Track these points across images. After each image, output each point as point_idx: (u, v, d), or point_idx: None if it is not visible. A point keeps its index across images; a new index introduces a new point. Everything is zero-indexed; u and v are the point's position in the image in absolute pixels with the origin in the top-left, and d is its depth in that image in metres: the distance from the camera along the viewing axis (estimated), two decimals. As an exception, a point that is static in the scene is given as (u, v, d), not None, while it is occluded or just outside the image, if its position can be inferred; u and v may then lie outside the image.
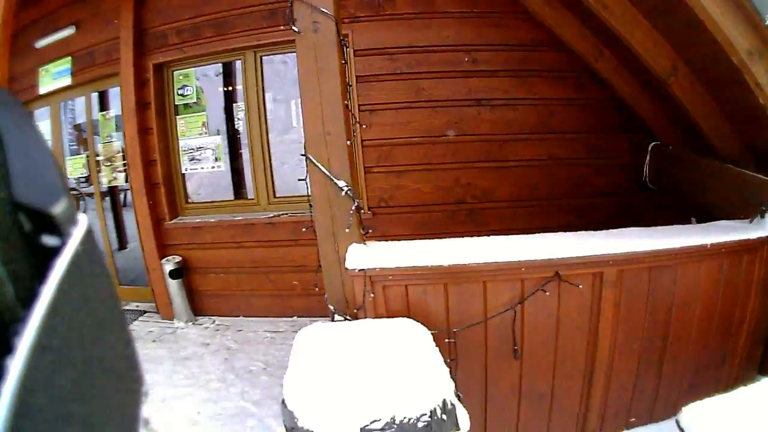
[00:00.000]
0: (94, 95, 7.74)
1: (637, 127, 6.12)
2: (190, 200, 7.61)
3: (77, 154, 8.21)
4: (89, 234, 0.58)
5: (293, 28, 3.60)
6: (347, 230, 3.80)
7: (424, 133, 6.36)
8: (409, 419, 2.63)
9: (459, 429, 2.85)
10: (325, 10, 3.53)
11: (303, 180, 3.90)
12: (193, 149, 7.18)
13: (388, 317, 3.72)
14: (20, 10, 6.94)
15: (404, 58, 6.22)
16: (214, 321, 7.29)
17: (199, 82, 7.14)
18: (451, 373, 3.20)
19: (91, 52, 7.18)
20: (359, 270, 3.69)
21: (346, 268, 3.75)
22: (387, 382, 2.83)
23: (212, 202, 7.63)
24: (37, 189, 0.55)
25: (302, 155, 3.83)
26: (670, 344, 3.98)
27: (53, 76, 7.53)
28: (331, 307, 4.02)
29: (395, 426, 2.62)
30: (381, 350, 3.15)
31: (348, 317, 3.92)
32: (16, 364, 0.44)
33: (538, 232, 4.14)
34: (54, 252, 0.53)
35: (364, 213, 6.35)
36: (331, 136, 3.72)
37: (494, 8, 6.15)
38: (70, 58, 7.36)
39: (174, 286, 7.13)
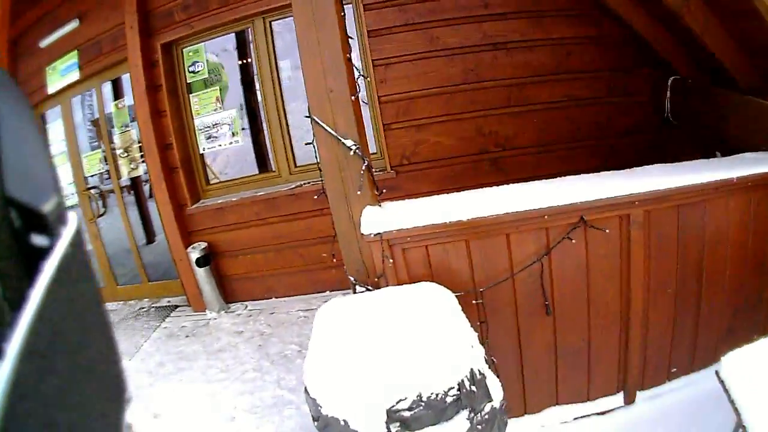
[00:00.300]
0: (106, 86, 7.63)
1: (656, 63, 5.81)
2: (211, 181, 7.45)
3: (97, 149, 8.12)
4: (78, 235, 0.56)
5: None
6: (359, 192, 3.60)
7: (442, 83, 6.09)
8: (437, 395, 2.49)
9: (491, 399, 2.69)
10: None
11: (310, 144, 3.74)
12: (209, 127, 6.98)
13: (411, 283, 3.52)
14: (20, 13, 7.01)
15: (415, 8, 5.93)
16: (246, 306, 7.17)
17: (218, 57, 6.99)
18: (482, 337, 3.13)
19: (97, 42, 7.05)
20: (375, 234, 3.50)
21: (362, 234, 3.55)
22: (411, 356, 2.68)
23: (233, 180, 7.43)
24: (30, 184, 0.53)
25: (306, 117, 3.64)
26: (705, 286, 3.76)
27: (61, 73, 7.42)
28: (351, 278, 3.84)
29: (422, 403, 2.48)
30: (403, 320, 2.98)
31: (369, 287, 3.73)
32: (4, 370, 0.43)
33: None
34: (43, 253, 0.51)
35: (387, 172, 6.27)
36: (334, 93, 3.51)
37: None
38: (76, 51, 7.23)
39: (202, 274, 6.98)
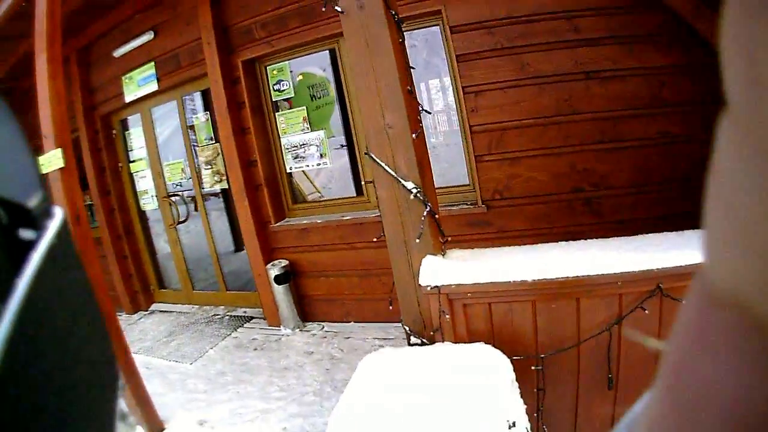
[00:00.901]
0: (196, 97, 7.73)
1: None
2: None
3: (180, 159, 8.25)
4: (65, 227, 0.59)
5: (336, 7, 3.21)
6: (417, 240, 3.36)
7: (535, 114, 5.71)
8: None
9: None
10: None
11: (371, 182, 3.58)
12: (296, 146, 6.89)
13: (469, 339, 3.30)
14: (87, 23, 7.31)
15: (503, 31, 5.59)
16: (323, 327, 7.03)
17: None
18: (536, 405, 2.98)
19: (175, 55, 7.17)
20: (433, 287, 3.27)
21: (420, 285, 3.31)
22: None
23: (320, 201, 7.35)
24: (14, 182, 0.56)
25: (366, 154, 3.46)
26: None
27: (138, 83, 7.59)
28: (407, 329, 3.62)
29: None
30: (445, 387, 2.77)
31: (425, 340, 3.50)
32: None
33: (659, 221, 3.72)
34: (30, 245, 0.53)
35: (478, 206, 5.91)
36: (393, 130, 3.31)
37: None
38: (153, 63, 7.40)
39: (280, 291, 6.93)
